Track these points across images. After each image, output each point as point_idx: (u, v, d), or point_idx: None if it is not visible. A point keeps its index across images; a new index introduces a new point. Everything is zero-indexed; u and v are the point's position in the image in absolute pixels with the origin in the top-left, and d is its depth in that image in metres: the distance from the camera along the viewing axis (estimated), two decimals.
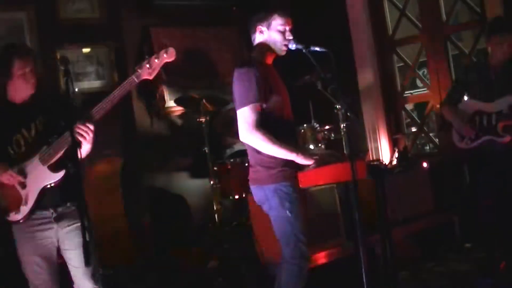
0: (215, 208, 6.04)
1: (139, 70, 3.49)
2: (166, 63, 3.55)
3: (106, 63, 6.26)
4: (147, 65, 3.48)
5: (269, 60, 3.94)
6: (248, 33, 3.98)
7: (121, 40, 6.40)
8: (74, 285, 3.69)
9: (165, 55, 3.49)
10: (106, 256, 5.05)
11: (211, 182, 6.07)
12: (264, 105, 3.73)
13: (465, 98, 4.99)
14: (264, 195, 3.83)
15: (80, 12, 6.15)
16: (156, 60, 3.49)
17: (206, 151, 6.11)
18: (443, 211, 6.01)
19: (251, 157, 3.90)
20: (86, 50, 6.13)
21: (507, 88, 4.71)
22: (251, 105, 3.68)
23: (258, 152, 3.80)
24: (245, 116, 3.70)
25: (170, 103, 6.44)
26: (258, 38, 3.92)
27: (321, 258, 5.05)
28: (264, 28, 3.87)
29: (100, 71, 6.23)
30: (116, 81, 6.23)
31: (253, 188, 3.93)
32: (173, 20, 6.76)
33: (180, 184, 6.66)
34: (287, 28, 3.85)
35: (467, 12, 6.87)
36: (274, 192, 3.76)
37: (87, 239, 3.02)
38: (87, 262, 3.02)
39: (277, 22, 3.84)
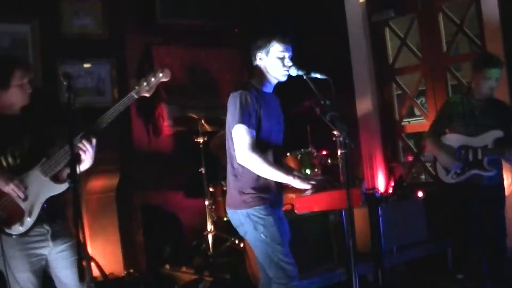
0: (208, 229, 6.04)
1: (137, 87, 3.55)
2: (165, 82, 3.62)
3: (107, 79, 6.29)
4: (145, 83, 3.55)
5: (268, 85, 3.95)
6: (249, 57, 3.99)
7: (123, 57, 6.44)
8: None
9: (161, 75, 3.57)
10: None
11: (206, 203, 6.08)
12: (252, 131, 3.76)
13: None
14: (238, 219, 3.86)
15: (83, 27, 6.19)
16: (153, 79, 3.56)
17: (202, 171, 6.13)
18: (436, 241, 6.01)
19: (227, 180, 3.94)
20: (87, 65, 6.15)
21: (490, 123, 4.77)
22: (245, 126, 3.70)
23: (235, 176, 3.84)
24: (241, 136, 3.71)
25: (169, 122, 6.45)
26: (258, 64, 3.93)
27: (313, 283, 5.05)
28: (263, 55, 3.88)
29: (101, 87, 6.27)
30: (116, 98, 6.26)
31: (229, 211, 3.96)
32: (175, 39, 6.81)
33: (175, 203, 6.66)
34: (286, 54, 3.86)
35: (467, 43, 6.91)
36: (247, 217, 3.80)
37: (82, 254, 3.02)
38: (81, 278, 3.02)
39: (276, 49, 3.84)
